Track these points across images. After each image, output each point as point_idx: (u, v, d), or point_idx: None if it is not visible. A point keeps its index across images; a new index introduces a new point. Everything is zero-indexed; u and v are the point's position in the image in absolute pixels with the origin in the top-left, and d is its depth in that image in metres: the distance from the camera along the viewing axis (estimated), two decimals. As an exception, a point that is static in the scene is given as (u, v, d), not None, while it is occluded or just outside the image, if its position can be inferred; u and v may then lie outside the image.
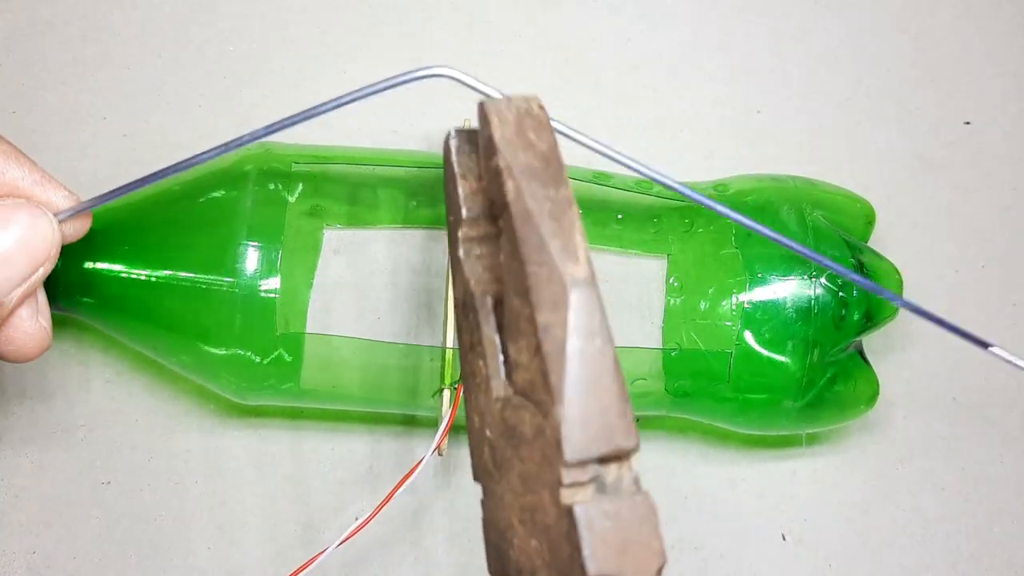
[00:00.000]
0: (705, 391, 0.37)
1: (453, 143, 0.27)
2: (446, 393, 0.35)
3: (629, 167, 0.31)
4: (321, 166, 0.37)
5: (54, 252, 0.29)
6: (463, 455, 0.40)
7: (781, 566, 0.40)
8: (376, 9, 0.47)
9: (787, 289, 0.36)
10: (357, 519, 0.37)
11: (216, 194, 0.35)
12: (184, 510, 0.39)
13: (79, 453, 0.39)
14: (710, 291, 0.36)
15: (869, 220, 0.39)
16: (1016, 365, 0.33)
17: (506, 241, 0.24)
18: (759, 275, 0.36)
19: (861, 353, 0.38)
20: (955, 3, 0.49)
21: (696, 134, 0.46)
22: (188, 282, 0.34)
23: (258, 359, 0.35)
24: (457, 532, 0.39)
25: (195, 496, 0.39)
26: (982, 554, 0.40)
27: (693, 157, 0.45)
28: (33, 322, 0.30)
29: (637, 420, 0.41)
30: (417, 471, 0.34)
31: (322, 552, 0.33)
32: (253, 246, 0.34)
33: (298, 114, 0.30)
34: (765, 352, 0.36)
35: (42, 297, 0.31)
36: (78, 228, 0.31)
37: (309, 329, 0.35)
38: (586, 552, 0.21)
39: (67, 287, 0.34)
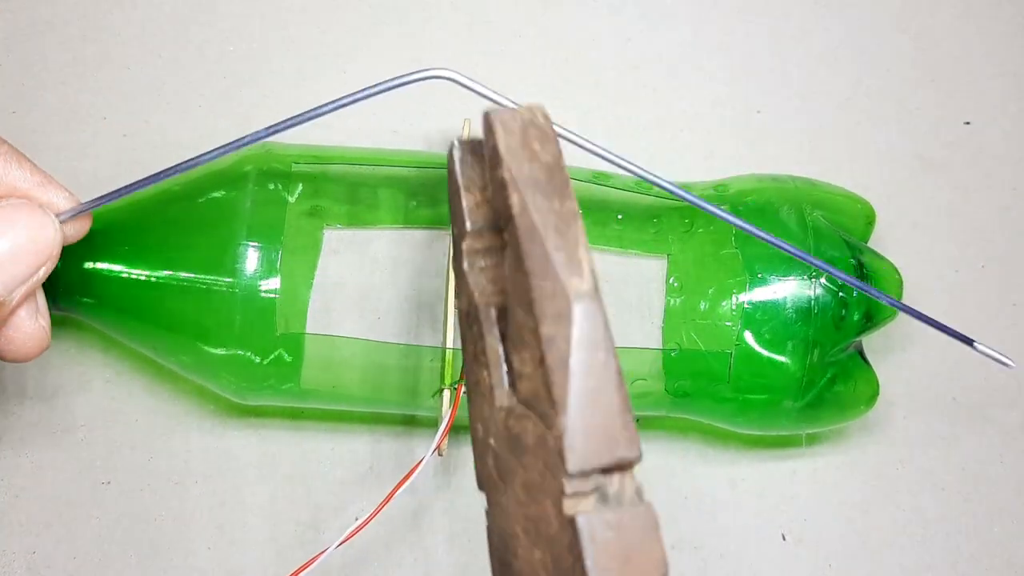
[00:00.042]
0: (705, 391, 0.37)
1: (456, 154, 0.27)
2: (446, 393, 0.35)
3: (629, 171, 0.31)
4: (321, 166, 0.37)
5: (55, 252, 0.29)
6: (463, 455, 0.40)
7: (781, 566, 0.40)
8: (376, 9, 0.47)
9: (787, 289, 0.36)
10: (357, 519, 0.37)
11: (216, 194, 0.35)
12: (184, 510, 0.39)
13: (79, 453, 0.39)
14: (710, 291, 0.36)
15: (869, 220, 0.39)
16: (1001, 361, 0.33)
17: (511, 253, 0.24)
18: (759, 275, 0.36)
19: (861, 353, 0.38)
20: (955, 3, 0.49)
21: (696, 134, 0.46)
22: (188, 282, 0.34)
23: (258, 359, 0.35)
24: (457, 532, 0.39)
25: (195, 496, 0.39)
26: (982, 554, 0.40)
27: (693, 157, 0.45)
28: (33, 322, 0.30)
29: (637, 420, 0.41)
30: (417, 471, 0.34)
31: (322, 552, 0.33)
32: (253, 246, 0.34)
33: (299, 115, 0.30)
34: (765, 352, 0.36)
35: (41, 298, 0.31)
36: (78, 229, 0.31)
37: (309, 329, 0.35)
38: (588, 563, 0.21)
39: (67, 287, 0.34)
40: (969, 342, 0.34)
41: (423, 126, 0.44)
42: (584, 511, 0.22)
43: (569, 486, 0.21)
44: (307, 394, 0.36)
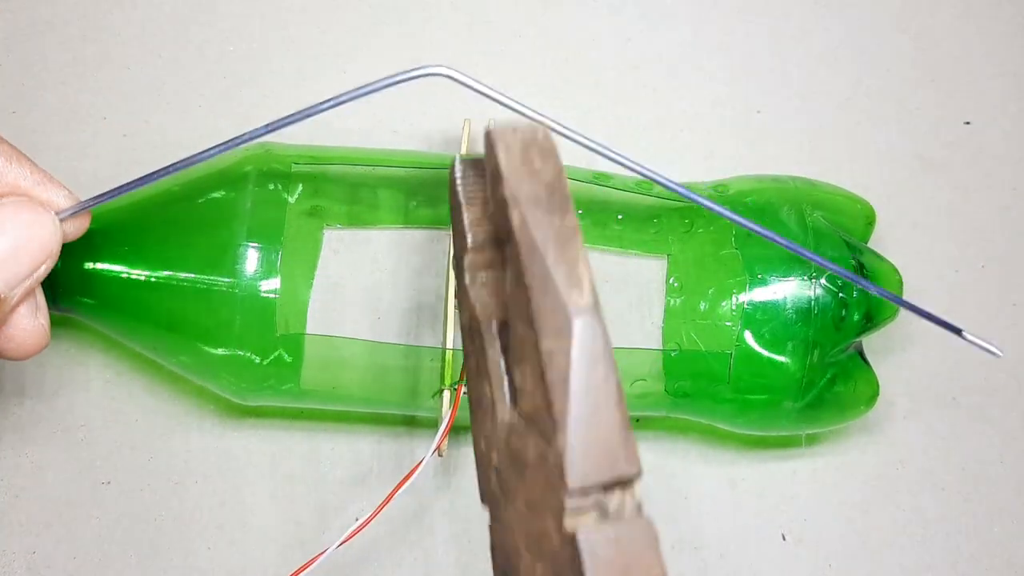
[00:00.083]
0: (705, 392, 0.37)
1: (458, 170, 0.27)
2: (446, 394, 0.35)
3: (634, 170, 0.31)
4: (321, 167, 0.37)
5: (56, 250, 0.30)
6: (463, 456, 0.40)
7: (781, 566, 0.40)
8: (376, 9, 0.47)
9: (787, 290, 0.36)
10: (357, 519, 0.37)
11: (216, 195, 0.35)
12: (184, 510, 0.39)
13: (79, 453, 0.39)
14: (710, 291, 0.36)
15: (869, 221, 0.39)
16: (989, 351, 0.34)
17: (511, 269, 0.24)
18: (759, 276, 0.36)
19: (861, 354, 0.38)
20: (955, 3, 0.49)
21: (696, 134, 0.46)
22: (188, 283, 0.34)
23: (258, 360, 0.35)
24: (457, 533, 0.39)
25: (195, 496, 0.39)
26: (982, 554, 0.40)
27: (693, 157, 0.45)
28: (32, 320, 0.31)
29: (637, 420, 0.41)
30: (417, 472, 0.34)
31: (322, 553, 0.33)
32: (253, 247, 0.34)
33: (296, 113, 0.30)
34: (765, 352, 0.36)
35: (40, 296, 0.31)
36: (78, 226, 0.31)
37: (309, 330, 0.35)
38: None
39: (67, 288, 0.34)
40: (958, 331, 0.34)
41: (423, 126, 0.44)
42: (585, 527, 0.22)
43: (569, 502, 0.22)
44: (307, 394, 0.36)
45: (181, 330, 0.35)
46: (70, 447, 0.39)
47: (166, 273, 0.34)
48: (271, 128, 0.30)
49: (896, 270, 0.38)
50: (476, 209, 0.27)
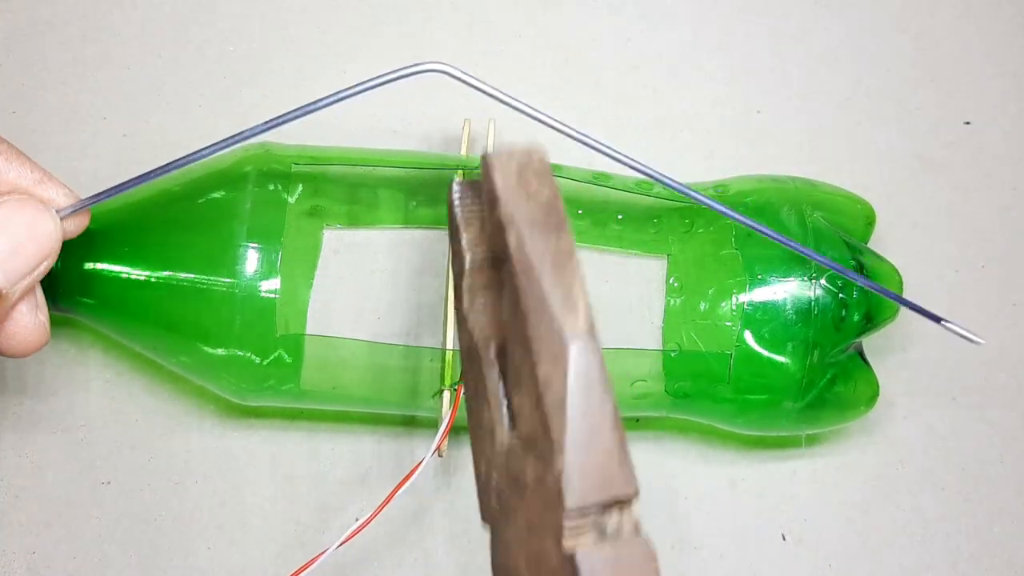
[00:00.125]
0: (705, 392, 0.37)
1: (456, 192, 0.28)
2: (446, 394, 0.35)
3: (639, 170, 0.31)
4: (321, 167, 0.37)
5: (57, 247, 0.30)
6: (463, 456, 0.40)
7: (781, 566, 0.40)
8: (376, 9, 0.47)
9: (787, 290, 0.36)
10: (357, 520, 0.37)
11: (216, 195, 0.35)
12: (184, 510, 0.39)
13: (79, 453, 0.39)
14: (710, 292, 0.36)
15: (869, 221, 0.39)
16: (969, 339, 0.34)
17: (508, 293, 0.24)
18: (759, 276, 0.36)
19: (861, 354, 0.38)
20: (955, 3, 0.49)
21: (696, 134, 0.46)
22: (188, 283, 0.34)
23: (258, 360, 0.35)
24: (457, 533, 0.39)
25: (195, 496, 0.39)
26: (982, 554, 0.40)
27: (693, 157, 0.45)
28: (32, 317, 0.31)
29: (637, 420, 0.41)
30: (417, 472, 0.34)
31: (322, 553, 0.33)
32: (253, 247, 0.34)
33: (293, 111, 0.30)
34: (765, 353, 0.36)
35: (40, 293, 0.31)
36: (78, 224, 0.32)
37: (309, 330, 0.35)
38: None
39: (67, 288, 0.34)
40: (937, 320, 0.35)
41: (423, 126, 0.44)
42: (583, 547, 0.22)
43: (568, 523, 0.22)
44: (307, 395, 0.36)
45: (181, 330, 0.35)
46: (70, 447, 0.39)
47: (166, 273, 0.34)
48: (269, 126, 0.30)
49: (896, 270, 0.38)
50: (474, 231, 0.27)
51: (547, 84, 0.46)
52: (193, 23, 0.46)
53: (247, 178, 0.35)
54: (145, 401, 0.40)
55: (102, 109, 0.44)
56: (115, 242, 0.34)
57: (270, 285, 0.34)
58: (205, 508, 0.39)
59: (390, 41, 0.46)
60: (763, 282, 0.36)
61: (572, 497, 0.22)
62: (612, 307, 0.38)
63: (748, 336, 0.36)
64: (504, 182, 0.24)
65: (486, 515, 0.27)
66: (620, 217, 0.38)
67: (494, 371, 0.26)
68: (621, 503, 0.22)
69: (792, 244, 0.34)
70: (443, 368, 0.36)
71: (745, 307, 0.36)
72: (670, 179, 0.32)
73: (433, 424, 0.40)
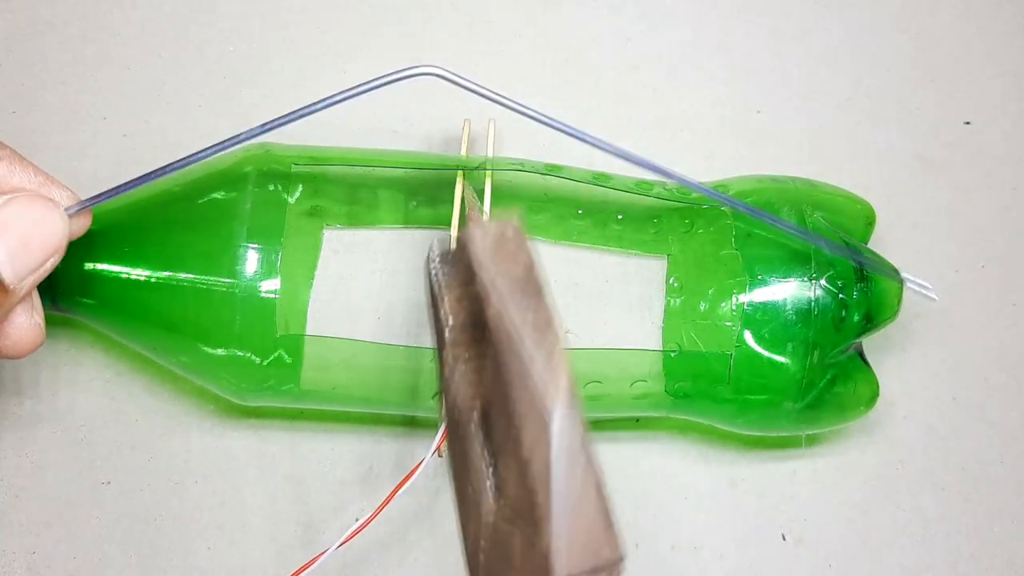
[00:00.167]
0: (705, 392, 0.36)
1: (433, 261, 0.28)
2: (446, 394, 0.35)
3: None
4: (321, 167, 0.37)
5: (63, 244, 0.30)
6: (463, 455, 0.40)
7: (781, 566, 0.40)
8: (376, 9, 0.47)
9: (787, 291, 0.36)
10: (357, 520, 0.37)
11: (216, 195, 0.35)
12: (184, 510, 0.39)
13: (79, 453, 0.39)
14: (710, 292, 0.36)
15: (869, 221, 0.39)
16: (925, 295, 0.36)
17: (490, 361, 0.25)
18: (759, 276, 0.36)
19: (861, 355, 0.38)
20: (955, 3, 0.49)
21: (696, 134, 0.46)
22: (188, 283, 0.34)
23: (258, 360, 0.35)
24: (457, 533, 0.39)
25: (195, 496, 0.39)
26: (982, 554, 0.40)
27: (693, 157, 0.45)
28: (29, 318, 0.31)
29: (637, 421, 0.41)
30: (417, 472, 0.34)
31: (322, 554, 0.33)
32: (253, 247, 0.34)
33: (290, 114, 0.30)
34: (765, 353, 0.36)
35: (35, 295, 0.31)
36: (81, 225, 0.32)
37: (309, 330, 0.35)
38: None
39: (67, 288, 0.34)
40: (898, 275, 0.36)
41: (423, 126, 0.44)
42: None
43: None
44: (307, 395, 0.36)
45: (181, 330, 0.35)
46: (70, 447, 0.39)
47: (166, 273, 0.34)
48: (267, 128, 0.30)
49: (896, 270, 0.38)
50: (453, 298, 0.27)
51: (547, 84, 0.46)
52: (193, 23, 0.46)
53: (247, 178, 0.35)
54: (145, 401, 0.40)
55: (102, 109, 0.44)
56: (115, 242, 0.34)
57: (270, 285, 0.34)
58: (205, 508, 0.39)
59: (390, 41, 0.46)
60: (763, 282, 0.36)
61: (560, 568, 0.22)
62: (612, 307, 0.38)
63: (748, 336, 0.36)
64: (482, 254, 0.25)
65: None
66: (620, 217, 0.38)
67: (478, 441, 0.26)
68: (609, 567, 0.23)
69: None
70: (443, 368, 0.36)
71: (745, 307, 0.36)
72: (665, 168, 0.32)
73: (433, 424, 0.40)
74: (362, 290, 0.37)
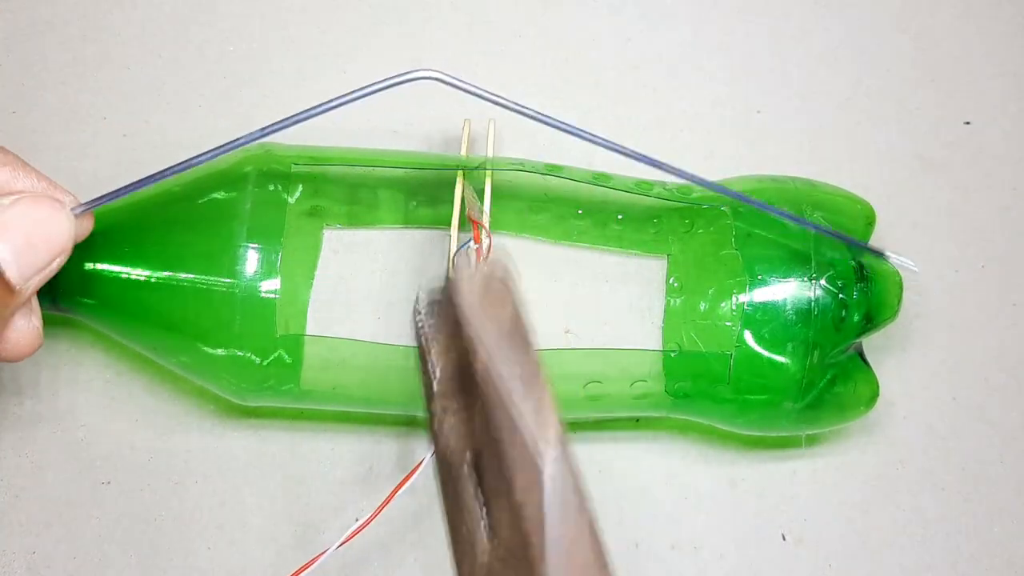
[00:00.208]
0: (705, 392, 0.36)
1: (420, 310, 0.28)
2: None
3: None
4: (321, 167, 0.37)
5: (70, 244, 0.30)
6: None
7: (781, 566, 0.40)
8: (376, 9, 0.47)
9: (787, 291, 0.36)
10: (357, 520, 0.37)
11: (216, 195, 0.35)
12: (184, 510, 0.39)
13: (79, 453, 0.39)
14: (710, 292, 0.36)
15: (869, 221, 0.39)
16: (906, 266, 0.36)
17: (480, 413, 0.25)
18: (759, 277, 0.36)
19: (861, 355, 0.38)
20: (955, 3, 0.49)
21: (696, 134, 0.46)
22: (188, 283, 0.34)
23: (258, 360, 0.35)
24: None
25: (195, 496, 0.39)
26: (982, 554, 0.40)
27: (693, 157, 0.45)
28: (27, 322, 0.31)
29: (636, 421, 0.41)
30: (417, 472, 0.34)
31: (322, 554, 0.33)
32: (253, 248, 0.34)
33: (288, 118, 0.30)
34: (765, 353, 0.36)
35: (34, 298, 0.31)
36: (85, 227, 0.32)
37: (309, 329, 0.35)
38: None
39: (67, 288, 0.34)
40: (881, 253, 0.36)
41: (423, 126, 0.44)
42: None
43: None
44: (307, 395, 0.36)
45: (181, 330, 0.35)
46: (70, 447, 0.39)
47: (166, 273, 0.34)
48: (266, 132, 0.30)
49: (896, 271, 0.38)
50: (440, 346, 0.28)
51: (547, 84, 0.46)
52: (193, 23, 0.46)
53: (247, 178, 0.35)
54: (145, 401, 0.40)
55: (102, 109, 0.44)
56: (115, 242, 0.34)
57: (270, 285, 0.34)
58: (205, 508, 0.39)
59: (390, 41, 0.46)
60: (763, 282, 0.36)
61: None
62: (612, 307, 0.38)
63: (748, 336, 0.36)
64: (468, 307, 0.25)
65: None
66: (620, 217, 0.38)
67: (470, 485, 0.26)
68: None
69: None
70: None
71: (745, 307, 0.36)
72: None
73: (433, 424, 0.40)
74: (362, 290, 0.37)
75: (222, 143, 0.31)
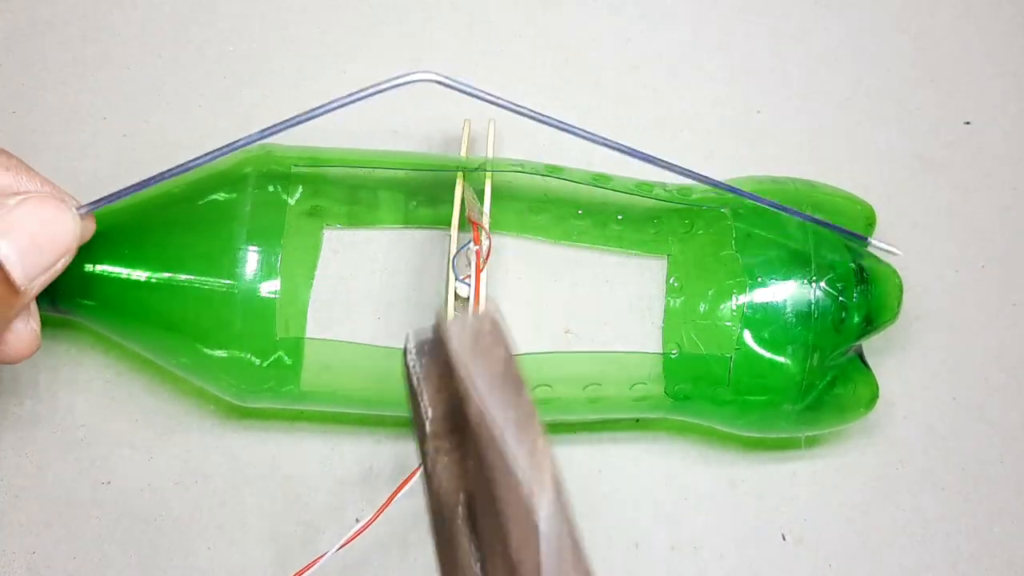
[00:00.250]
0: (705, 394, 0.36)
1: (411, 355, 0.28)
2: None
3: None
4: (321, 168, 0.37)
5: (75, 244, 0.30)
6: (463, 455, 0.40)
7: (781, 566, 0.40)
8: (376, 9, 0.47)
9: (787, 293, 0.36)
10: (357, 520, 0.37)
11: (216, 196, 0.35)
12: (184, 510, 0.39)
13: (79, 453, 0.39)
14: (710, 292, 0.36)
15: (869, 222, 0.39)
16: (890, 251, 0.37)
17: (472, 455, 0.25)
18: (759, 279, 0.36)
19: (861, 357, 0.38)
20: (955, 3, 0.49)
21: (696, 134, 0.46)
22: (187, 284, 0.34)
23: (258, 361, 0.35)
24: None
25: (195, 496, 0.39)
26: (982, 554, 0.40)
27: (693, 157, 0.45)
28: (25, 324, 0.31)
29: (636, 421, 0.41)
30: (418, 474, 0.34)
31: (322, 556, 0.33)
32: (253, 249, 0.34)
33: (286, 121, 0.30)
34: (766, 354, 0.36)
35: (32, 301, 0.31)
36: (88, 228, 0.32)
37: (309, 330, 0.35)
38: None
39: (67, 289, 0.34)
40: (864, 240, 0.37)
41: (424, 127, 0.44)
42: None
43: None
44: (307, 396, 0.36)
45: (180, 332, 0.35)
46: (70, 447, 0.39)
47: (165, 275, 0.34)
48: (266, 134, 0.30)
49: (896, 274, 0.38)
50: (432, 390, 0.27)
51: (547, 84, 0.46)
52: (193, 23, 0.46)
53: (247, 180, 0.35)
54: (145, 401, 0.40)
55: (102, 109, 0.44)
56: (115, 243, 0.34)
57: (270, 287, 0.34)
58: (205, 508, 0.39)
59: (390, 41, 0.46)
60: (763, 285, 0.36)
61: None
62: (612, 307, 0.38)
63: (748, 337, 0.36)
64: (460, 352, 0.25)
65: None
66: (620, 217, 0.38)
67: (464, 537, 0.26)
68: None
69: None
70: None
71: (745, 309, 0.36)
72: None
73: (433, 424, 0.40)
74: (362, 290, 0.37)
75: (222, 143, 0.31)
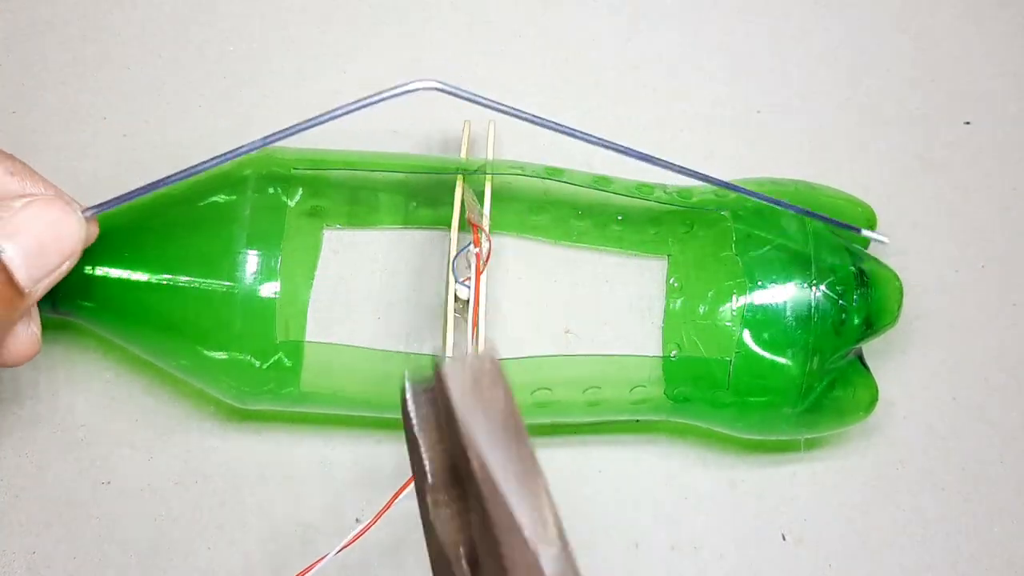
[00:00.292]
0: (705, 396, 0.36)
1: (409, 402, 0.27)
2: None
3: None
4: (321, 170, 0.37)
5: (80, 247, 0.30)
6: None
7: (781, 566, 0.40)
8: (376, 9, 0.47)
9: (787, 295, 0.36)
10: (358, 521, 0.37)
11: (216, 198, 0.35)
12: (184, 510, 0.39)
13: (79, 453, 0.39)
14: (710, 293, 0.36)
15: (869, 224, 0.39)
16: (879, 240, 0.37)
17: (474, 506, 0.24)
18: (759, 281, 0.36)
19: (861, 359, 0.38)
20: (955, 3, 0.49)
21: (696, 134, 0.46)
22: (188, 286, 0.34)
23: (258, 363, 0.35)
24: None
25: (195, 496, 0.39)
26: (982, 554, 0.40)
27: (693, 157, 0.45)
28: (25, 328, 0.31)
29: (636, 422, 0.41)
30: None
31: (322, 559, 0.33)
32: (252, 252, 0.34)
33: (286, 129, 0.30)
34: (766, 355, 0.36)
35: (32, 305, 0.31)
36: (92, 231, 0.32)
37: (309, 331, 0.35)
38: None
39: (67, 291, 0.34)
40: (857, 230, 0.37)
41: (423, 127, 0.44)
42: None
43: None
44: (307, 398, 0.36)
45: (180, 334, 0.35)
46: (70, 447, 0.39)
47: (166, 277, 0.34)
48: (268, 141, 0.30)
49: (896, 276, 0.38)
50: (431, 438, 0.27)
51: (547, 84, 0.46)
52: (193, 23, 0.46)
53: (247, 182, 0.35)
54: (145, 401, 0.40)
55: (102, 109, 0.44)
56: (115, 245, 0.34)
57: (270, 289, 0.34)
58: (205, 508, 0.39)
59: (390, 41, 0.46)
60: (763, 287, 0.36)
61: None
62: (612, 307, 0.38)
63: (748, 339, 0.36)
64: (459, 394, 0.25)
65: None
66: (620, 218, 0.38)
67: None
68: None
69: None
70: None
71: (745, 311, 0.36)
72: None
73: (433, 424, 0.40)
74: (362, 290, 0.37)
75: (222, 143, 0.31)
